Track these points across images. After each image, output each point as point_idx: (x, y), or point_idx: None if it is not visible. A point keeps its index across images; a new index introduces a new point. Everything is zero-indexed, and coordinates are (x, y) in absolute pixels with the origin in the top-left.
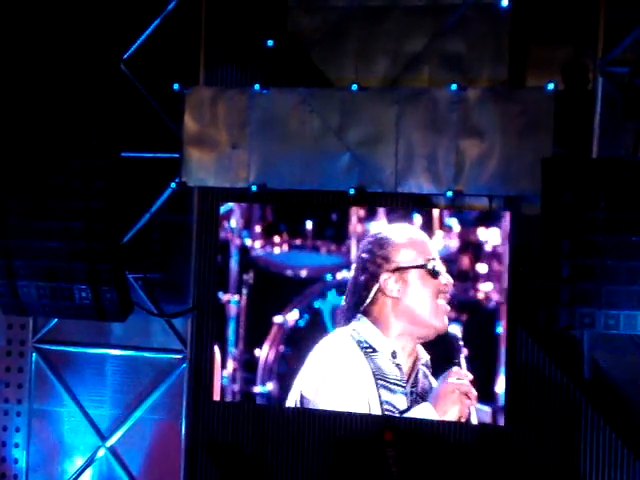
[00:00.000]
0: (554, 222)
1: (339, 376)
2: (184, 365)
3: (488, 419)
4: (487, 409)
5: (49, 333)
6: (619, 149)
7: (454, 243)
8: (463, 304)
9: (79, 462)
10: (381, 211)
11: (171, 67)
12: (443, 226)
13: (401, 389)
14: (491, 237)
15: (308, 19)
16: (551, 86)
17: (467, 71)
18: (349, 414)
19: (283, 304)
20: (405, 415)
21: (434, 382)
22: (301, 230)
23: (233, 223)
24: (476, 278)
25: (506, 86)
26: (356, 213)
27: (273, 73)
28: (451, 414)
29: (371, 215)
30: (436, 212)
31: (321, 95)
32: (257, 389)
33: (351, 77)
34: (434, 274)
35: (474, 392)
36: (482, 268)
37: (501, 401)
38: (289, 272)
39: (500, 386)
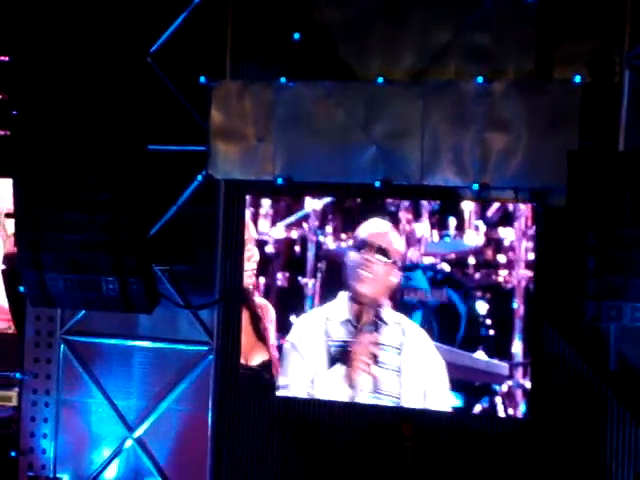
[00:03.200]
0: (580, 215)
1: (297, 343)
2: (210, 357)
3: (506, 372)
4: (505, 365)
5: (77, 325)
6: None
7: (481, 240)
8: (487, 286)
9: (106, 453)
10: (425, 215)
11: (198, 60)
12: (472, 226)
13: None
14: (508, 234)
15: (334, 12)
16: (577, 79)
17: (493, 64)
18: (371, 406)
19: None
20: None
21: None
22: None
23: (305, 225)
24: (497, 266)
25: (532, 79)
26: (405, 216)
27: (299, 66)
28: (356, 371)
29: (417, 217)
30: (467, 215)
31: (347, 88)
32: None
33: (377, 70)
34: (358, 248)
35: (381, 355)
36: (501, 258)
37: (517, 358)
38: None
39: (515, 347)
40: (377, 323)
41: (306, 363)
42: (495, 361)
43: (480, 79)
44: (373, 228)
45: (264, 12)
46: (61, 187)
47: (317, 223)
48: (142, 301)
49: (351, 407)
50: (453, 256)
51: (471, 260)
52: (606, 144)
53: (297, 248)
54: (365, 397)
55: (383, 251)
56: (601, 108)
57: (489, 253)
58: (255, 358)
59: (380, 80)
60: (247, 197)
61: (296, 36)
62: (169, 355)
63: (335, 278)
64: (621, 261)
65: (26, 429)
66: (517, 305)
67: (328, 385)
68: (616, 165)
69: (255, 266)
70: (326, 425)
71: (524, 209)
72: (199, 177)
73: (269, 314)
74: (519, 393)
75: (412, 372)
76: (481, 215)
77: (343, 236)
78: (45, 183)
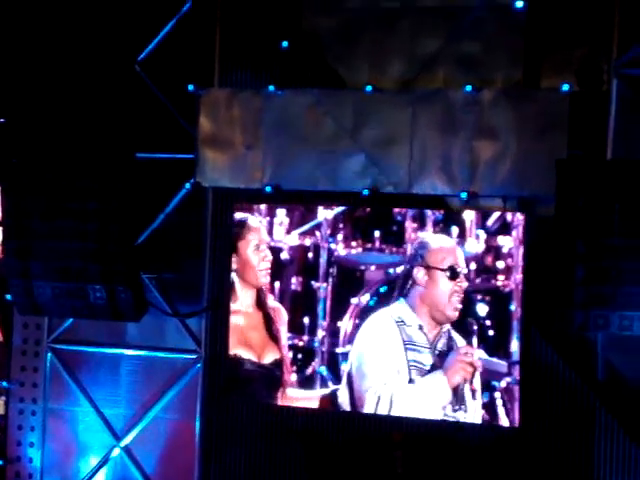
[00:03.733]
0: (568, 224)
1: (375, 342)
2: (198, 365)
3: (504, 370)
4: (504, 363)
5: (64, 333)
6: (634, 151)
7: (481, 247)
8: (487, 290)
9: (94, 461)
10: (429, 224)
11: (186, 68)
12: (473, 235)
13: (427, 350)
14: (506, 242)
15: (323, 20)
16: (566, 87)
17: (482, 72)
18: (360, 414)
19: (357, 290)
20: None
21: (454, 345)
22: (371, 237)
23: (318, 233)
24: (496, 271)
25: (521, 87)
26: (410, 225)
27: (287, 74)
28: (456, 379)
29: (422, 226)
30: (468, 224)
31: (335, 96)
32: (339, 350)
33: (365, 78)
34: (452, 277)
35: (478, 364)
36: (500, 264)
37: (514, 357)
38: (362, 267)
39: (513, 346)
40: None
41: (385, 361)
42: (494, 359)
43: (469, 87)
44: (447, 244)
45: (252, 20)
46: (49, 195)
47: (329, 231)
48: (130, 309)
49: (340, 415)
50: None
51: (472, 266)
52: (594, 153)
53: (310, 255)
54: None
55: (458, 273)
56: (589, 117)
57: (489, 259)
58: (267, 357)
59: (369, 88)
60: (262, 206)
61: (284, 44)
62: (157, 363)
63: (346, 282)
64: (609, 270)
65: (13, 438)
66: (514, 307)
67: (430, 388)
68: (604, 174)
69: (269, 265)
70: (312, 431)
71: (521, 219)
72: (187, 185)
73: (281, 316)
74: (516, 389)
75: None
76: (481, 224)
77: (353, 243)
78: (33, 191)
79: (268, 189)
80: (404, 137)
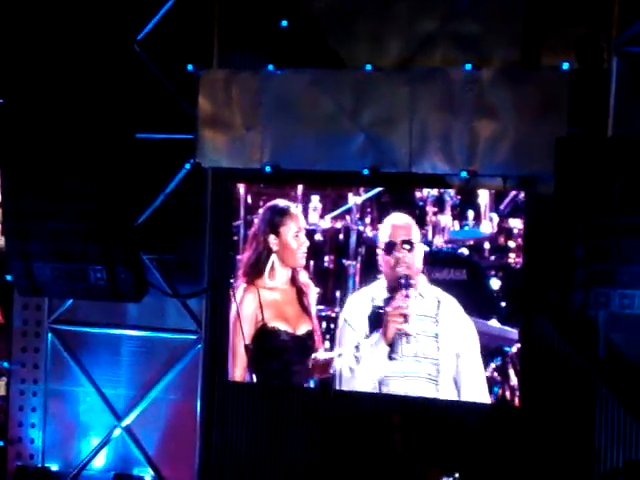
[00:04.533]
0: (568, 202)
1: (349, 318)
2: (199, 346)
3: (515, 336)
4: (515, 330)
5: (64, 314)
6: (634, 128)
7: (494, 228)
8: (499, 266)
9: (95, 442)
10: (447, 208)
11: (185, 48)
12: (487, 217)
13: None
14: (517, 224)
15: (321, 0)
16: (566, 66)
17: (481, 51)
18: (360, 394)
19: None
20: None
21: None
22: None
23: (348, 217)
24: (507, 250)
25: (520, 66)
26: (431, 210)
27: (286, 54)
28: (390, 332)
29: (441, 210)
30: (482, 208)
31: (334, 76)
32: None
33: (364, 58)
34: (388, 251)
35: (409, 312)
36: (511, 244)
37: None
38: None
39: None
40: (411, 290)
41: (356, 333)
42: (506, 327)
43: (468, 66)
44: (395, 223)
45: (251, 0)
46: (48, 176)
47: (358, 215)
48: (130, 290)
49: (339, 395)
50: (471, 242)
51: (486, 245)
52: (594, 131)
53: (341, 236)
54: (408, 363)
55: (408, 242)
56: (589, 95)
57: (501, 239)
58: (301, 328)
59: (368, 67)
60: (299, 190)
61: (283, 24)
62: (157, 344)
63: (373, 260)
64: (609, 248)
65: (14, 418)
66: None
67: (371, 350)
68: (605, 152)
69: (305, 250)
70: (312, 411)
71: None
72: (187, 165)
73: (312, 291)
74: None
75: (447, 338)
76: (495, 208)
77: (379, 226)
78: (32, 172)
79: (267, 169)
80: (403, 116)
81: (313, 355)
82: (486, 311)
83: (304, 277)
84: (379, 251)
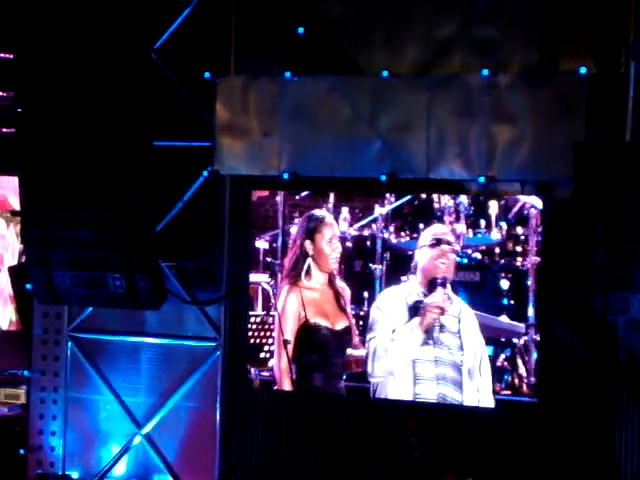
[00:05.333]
0: (587, 207)
1: (383, 308)
2: (218, 353)
3: (522, 330)
4: (522, 325)
5: (84, 322)
6: None
7: (503, 235)
8: (508, 269)
9: (115, 449)
10: (462, 217)
11: (202, 56)
12: (497, 226)
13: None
14: (523, 231)
15: (338, 6)
16: (583, 70)
17: (498, 56)
18: (378, 399)
19: (406, 270)
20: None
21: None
22: (416, 228)
23: (374, 226)
24: (515, 254)
25: (538, 71)
26: (448, 219)
27: (304, 61)
28: (427, 320)
29: (457, 219)
30: (493, 218)
31: (352, 82)
32: None
33: (382, 64)
34: (433, 245)
35: (446, 306)
36: (518, 248)
37: (530, 320)
38: (409, 252)
39: (529, 312)
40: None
41: (389, 320)
42: (515, 322)
43: (486, 72)
44: (438, 229)
45: (268, 6)
46: (67, 184)
47: (383, 224)
48: (149, 297)
49: (356, 401)
50: (483, 247)
51: (496, 250)
52: (612, 135)
53: (368, 243)
54: (438, 349)
55: (449, 243)
56: (607, 99)
57: (510, 245)
58: (339, 324)
59: (385, 74)
60: (331, 201)
61: (300, 30)
62: (177, 351)
63: (397, 265)
64: (629, 253)
65: (34, 427)
66: (530, 282)
67: (407, 334)
68: (623, 156)
69: (338, 255)
70: (331, 417)
71: (535, 212)
72: (205, 173)
73: (347, 293)
74: (532, 345)
75: (468, 335)
76: (504, 217)
77: (402, 233)
78: (51, 180)
79: (285, 176)
80: (421, 122)
81: (349, 351)
82: (497, 308)
83: (339, 281)
84: (418, 251)
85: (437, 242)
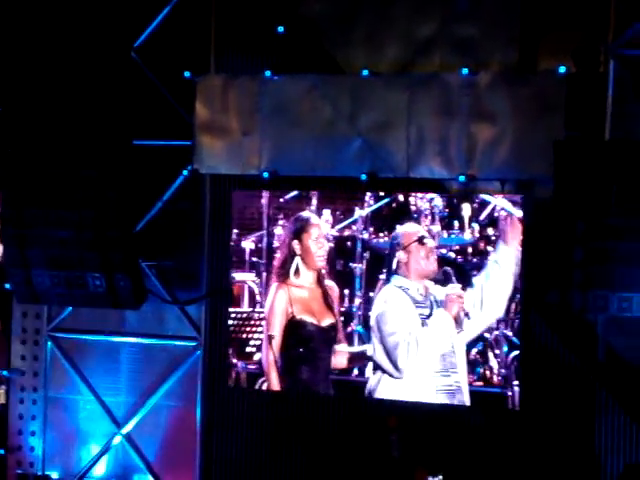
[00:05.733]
0: (567, 205)
1: (391, 304)
2: (198, 352)
3: (494, 325)
4: (494, 319)
5: (64, 321)
6: (632, 131)
7: (475, 236)
8: (480, 266)
9: (95, 449)
10: (437, 219)
11: (182, 55)
12: (470, 227)
13: (424, 303)
14: (493, 231)
15: (319, 5)
16: (562, 69)
17: (478, 55)
18: (357, 398)
19: (383, 268)
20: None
21: (440, 295)
22: (394, 229)
23: (354, 227)
24: (486, 253)
25: (517, 70)
26: (423, 220)
27: (284, 60)
28: (454, 310)
29: (432, 221)
30: (466, 220)
31: (332, 81)
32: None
33: (362, 63)
34: (421, 241)
35: (464, 295)
36: (489, 248)
37: (501, 315)
38: (386, 252)
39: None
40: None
41: (405, 317)
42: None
43: (465, 71)
44: (412, 228)
45: (248, 5)
46: (46, 183)
47: (362, 226)
48: (129, 297)
49: (335, 399)
50: (457, 247)
51: (469, 249)
52: (592, 134)
53: (349, 243)
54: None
55: (433, 238)
56: (587, 98)
57: (481, 245)
58: (325, 321)
59: (365, 73)
60: (313, 205)
61: (281, 29)
62: (157, 351)
63: (375, 263)
64: (608, 251)
65: (14, 427)
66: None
67: (438, 324)
68: (602, 154)
69: (325, 253)
70: (311, 416)
71: (505, 214)
72: (185, 172)
73: (335, 292)
74: (502, 339)
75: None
76: (476, 219)
77: (380, 234)
78: (30, 179)
79: (265, 175)
80: (401, 121)
81: (337, 347)
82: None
83: (328, 280)
84: (402, 251)
85: (422, 239)
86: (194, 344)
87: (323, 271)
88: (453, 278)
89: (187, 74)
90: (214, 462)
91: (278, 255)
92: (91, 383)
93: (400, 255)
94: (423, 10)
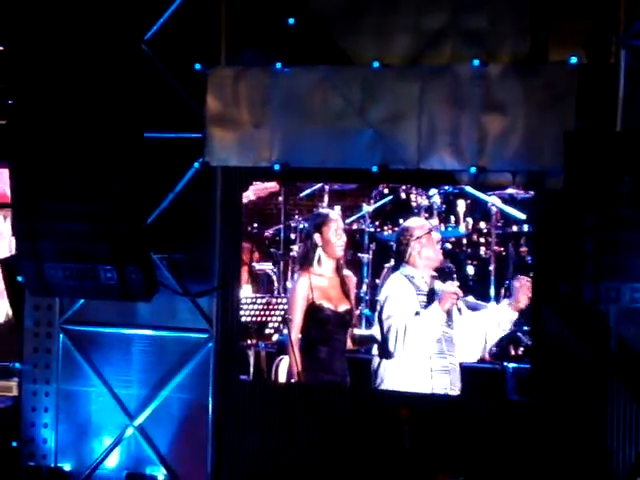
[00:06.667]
0: (578, 197)
1: (395, 290)
2: (210, 344)
3: (486, 308)
4: (485, 303)
5: (76, 314)
6: None
7: (469, 228)
8: (473, 256)
9: (107, 441)
10: (435, 213)
11: (193, 47)
12: (464, 221)
13: (426, 292)
14: (485, 225)
15: None
16: (574, 60)
17: (489, 46)
18: (370, 390)
19: (388, 258)
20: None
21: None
22: (397, 223)
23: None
24: (479, 244)
25: (528, 60)
26: (423, 215)
27: (294, 52)
28: (447, 305)
29: (430, 215)
30: (461, 214)
31: (343, 73)
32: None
33: (372, 55)
34: (430, 232)
35: (460, 293)
36: (482, 240)
37: (492, 300)
38: (391, 243)
39: (491, 293)
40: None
41: (405, 305)
42: (480, 302)
43: (476, 62)
44: (420, 222)
45: None
46: (58, 176)
47: (369, 220)
48: (141, 289)
49: (348, 391)
50: (453, 239)
51: (464, 241)
52: (604, 125)
53: (357, 236)
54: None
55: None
56: (598, 89)
57: (475, 237)
58: (341, 307)
59: (376, 64)
60: (325, 201)
61: (291, 21)
62: (169, 343)
63: (381, 253)
64: (619, 242)
65: (26, 419)
66: (492, 267)
67: (430, 316)
68: (613, 145)
69: (343, 243)
70: (324, 408)
71: (495, 210)
72: (196, 164)
73: (352, 281)
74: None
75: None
76: (470, 214)
77: (385, 227)
78: (41, 172)
79: (277, 167)
80: (412, 113)
81: (353, 331)
82: (464, 290)
83: (346, 270)
84: (415, 241)
85: (431, 230)
86: (206, 336)
87: (341, 261)
88: (454, 275)
89: (198, 66)
90: (226, 454)
91: (302, 248)
92: (103, 375)
93: (415, 245)
94: (433, 1)
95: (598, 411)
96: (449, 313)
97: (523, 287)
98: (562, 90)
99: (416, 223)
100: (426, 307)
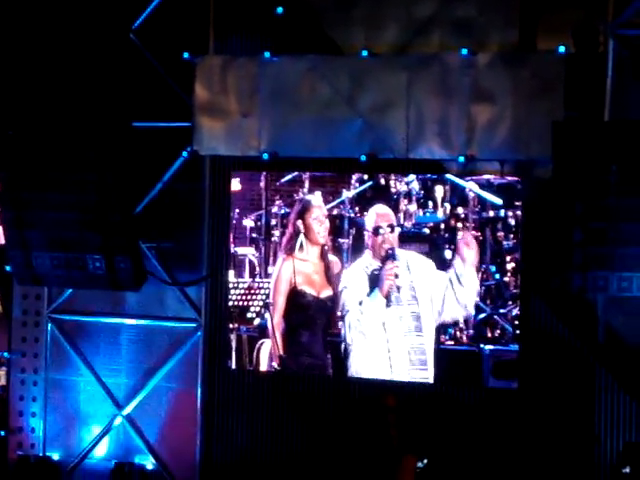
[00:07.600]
0: (566, 186)
1: (347, 280)
2: (199, 333)
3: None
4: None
5: (64, 303)
6: (631, 112)
7: (447, 214)
8: (451, 240)
9: (96, 430)
10: (414, 200)
11: (181, 36)
12: (442, 207)
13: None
14: (463, 210)
15: None
16: (562, 49)
17: (477, 36)
18: (357, 379)
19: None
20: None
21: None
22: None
23: (342, 206)
24: (456, 229)
25: (517, 50)
26: (402, 201)
27: (283, 40)
28: (385, 288)
29: (409, 202)
30: (439, 200)
31: (331, 62)
32: None
33: (361, 44)
34: (376, 233)
35: (400, 273)
36: (459, 225)
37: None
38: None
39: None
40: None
41: (356, 295)
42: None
43: (465, 51)
44: (378, 212)
45: None
46: (46, 165)
47: (349, 205)
48: (129, 279)
49: (335, 379)
50: (431, 224)
51: (442, 226)
52: (591, 114)
53: (337, 221)
54: (399, 308)
55: (390, 226)
56: (586, 78)
57: (452, 222)
58: (324, 293)
59: (364, 53)
60: (306, 187)
61: (280, 10)
62: (157, 332)
63: (360, 239)
64: (607, 231)
65: (15, 408)
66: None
67: (372, 303)
68: (601, 135)
69: (324, 231)
70: (311, 397)
71: (473, 195)
72: (184, 153)
73: (337, 266)
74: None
75: (420, 284)
76: (448, 199)
77: (365, 213)
78: (30, 162)
79: (265, 156)
80: (400, 102)
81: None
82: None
83: (331, 256)
84: (366, 233)
85: (376, 230)
86: (194, 325)
87: (326, 247)
88: (396, 255)
89: (186, 55)
90: (214, 443)
91: (285, 234)
92: (92, 364)
93: (365, 237)
94: None
95: (586, 399)
96: (388, 296)
97: (463, 239)
98: (550, 79)
99: (371, 211)
100: (369, 295)
